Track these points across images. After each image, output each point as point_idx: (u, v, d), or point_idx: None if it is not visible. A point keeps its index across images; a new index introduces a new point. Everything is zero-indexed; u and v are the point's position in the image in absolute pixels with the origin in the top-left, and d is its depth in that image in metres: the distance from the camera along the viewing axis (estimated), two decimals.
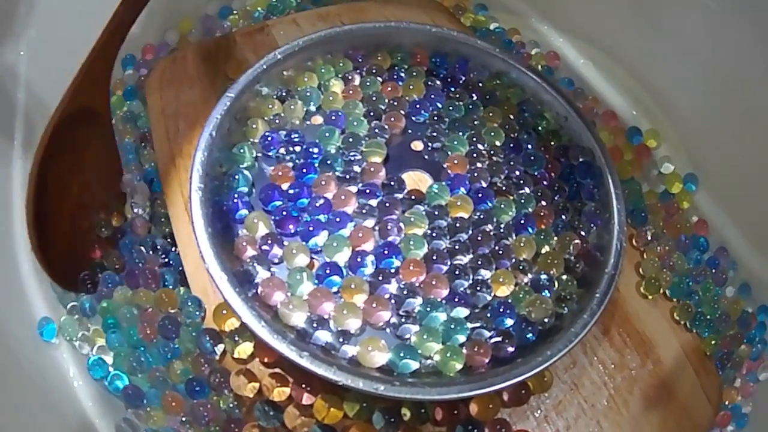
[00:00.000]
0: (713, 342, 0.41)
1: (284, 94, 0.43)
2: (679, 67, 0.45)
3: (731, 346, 0.41)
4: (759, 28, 0.39)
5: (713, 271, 0.43)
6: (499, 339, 0.36)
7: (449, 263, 0.38)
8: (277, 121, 0.42)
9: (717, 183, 0.45)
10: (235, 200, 0.39)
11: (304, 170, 0.41)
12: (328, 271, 0.37)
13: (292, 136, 0.42)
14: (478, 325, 0.37)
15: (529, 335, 0.37)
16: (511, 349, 0.36)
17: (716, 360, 0.40)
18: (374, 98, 0.43)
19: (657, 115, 0.47)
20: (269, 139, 0.41)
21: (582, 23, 0.50)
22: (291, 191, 0.40)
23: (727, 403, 0.39)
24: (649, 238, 0.44)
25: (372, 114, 0.43)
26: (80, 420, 0.38)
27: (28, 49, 0.43)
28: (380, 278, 0.37)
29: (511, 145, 0.43)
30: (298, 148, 0.41)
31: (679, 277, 0.42)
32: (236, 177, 0.40)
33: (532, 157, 0.42)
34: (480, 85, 0.45)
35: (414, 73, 0.45)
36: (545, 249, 0.40)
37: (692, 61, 0.44)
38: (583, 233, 0.40)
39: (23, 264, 0.41)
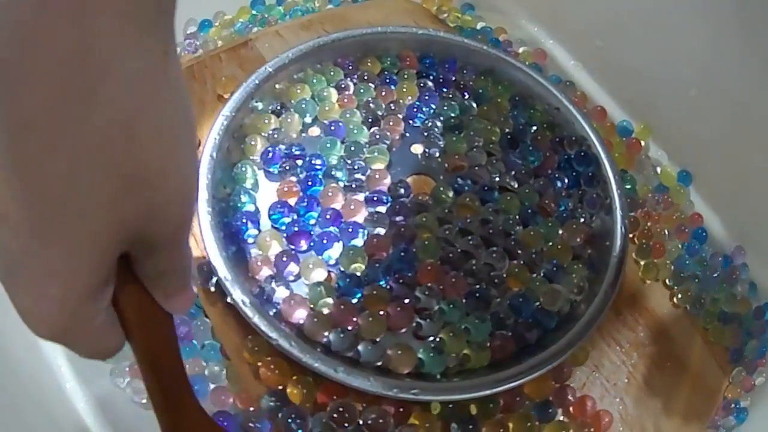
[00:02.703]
0: (723, 338, 0.41)
1: (279, 107, 0.43)
2: (670, 66, 0.46)
3: (741, 342, 0.41)
4: (748, 28, 0.41)
5: (723, 268, 0.44)
6: (520, 331, 0.37)
7: (464, 262, 0.39)
8: (275, 135, 0.42)
9: (708, 181, 0.46)
10: (244, 221, 0.39)
11: (310, 183, 0.40)
12: (347, 283, 0.37)
13: (293, 150, 0.41)
14: (498, 319, 0.38)
15: (547, 324, 0.38)
16: (532, 340, 0.37)
17: (729, 356, 0.41)
18: (371, 104, 0.44)
19: (648, 115, 0.48)
20: (270, 154, 0.41)
21: (571, 24, 0.50)
22: (299, 206, 0.40)
23: (729, 396, 0.40)
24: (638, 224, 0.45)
25: (370, 120, 0.43)
26: (73, 421, 0.37)
27: None
28: (400, 284, 0.38)
29: (508, 140, 0.44)
30: (300, 162, 0.41)
31: (675, 261, 0.43)
32: (241, 197, 0.40)
33: (530, 150, 0.43)
34: (471, 83, 0.46)
35: (405, 77, 0.45)
36: (553, 239, 0.41)
37: (684, 60, 0.45)
38: (586, 220, 0.41)
39: None
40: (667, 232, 0.44)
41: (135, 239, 0.18)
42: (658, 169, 0.47)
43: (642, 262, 0.43)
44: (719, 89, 0.43)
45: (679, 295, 0.42)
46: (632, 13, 0.46)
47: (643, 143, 0.47)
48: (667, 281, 0.43)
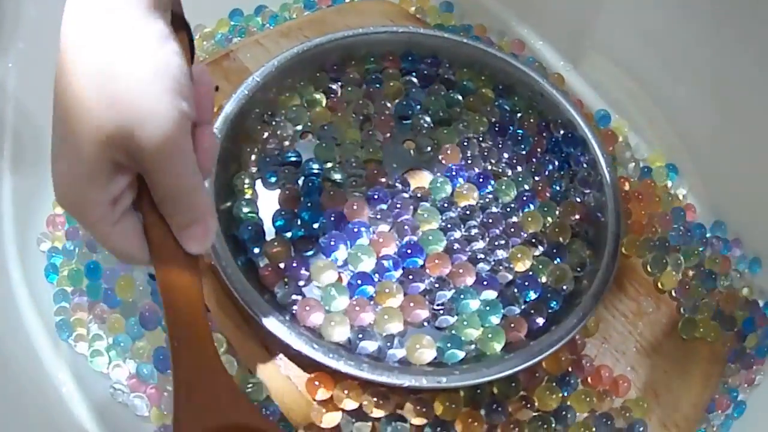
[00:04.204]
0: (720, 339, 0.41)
1: (270, 116, 0.43)
2: (660, 65, 0.47)
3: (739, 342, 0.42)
4: (734, 27, 0.43)
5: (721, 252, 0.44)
6: (530, 311, 0.38)
7: (468, 250, 0.40)
8: (270, 144, 0.42)
9: (698, 179, 0.48)
10: (249, 231, 0.39)
11: (309, 188, 0.41)
12: (359, 282, 0.38)
13: (289, 157, 0.42)
14: (508, 302, 0.39)
15: (554, 303, 0.39)
16: (541, 320, 0.38)
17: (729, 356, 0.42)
18: (360, 105, 0.44)
19: (639, 114, 0.49)
20: (267, 163, 0.41)
21: (561, 25, 0.51)
22: (301, 211, 0.40)
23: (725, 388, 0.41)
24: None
25: (361, 121, 0.44)
26: (72, 425, 0.38)
27: (16, 61, 0.42)
28: (409, 278, 0.38)
29: (496, 128, 0.45)
30: (297, 168, 0.42)
31: (656, 246, 0.43)
32: (243, 208, 0.40)
33: (519, 137, 0.44)
34: (454, 76, 0.47)
35: (390, 75, 0.46)
36: (550, 220, 0.42)
37: (674, 60, 0.46)
38: (580, 198, 0.43)
39: (13, 273, 0.41)
40: (645, 212, 0.45)
41: (124, 148, 0.24)
42: (644, 155, 0.49)
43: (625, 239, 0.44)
44: (710, 88, 0.45)
45: (660, 284, 0.43)
46: (623, 14, 0.48)
47: (621, 138, 0.48)
48: (648, 268, 0.43)
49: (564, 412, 0.37)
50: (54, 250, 0.45)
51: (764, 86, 0.42)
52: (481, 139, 0.44)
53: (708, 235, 0.46)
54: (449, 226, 0.40)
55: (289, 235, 0.39)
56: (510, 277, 0.40)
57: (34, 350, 0.41)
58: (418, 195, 0.41)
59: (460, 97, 0.46)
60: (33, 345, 0.41)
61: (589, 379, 0.38)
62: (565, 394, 0.37)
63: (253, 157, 0.42)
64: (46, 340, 0.41)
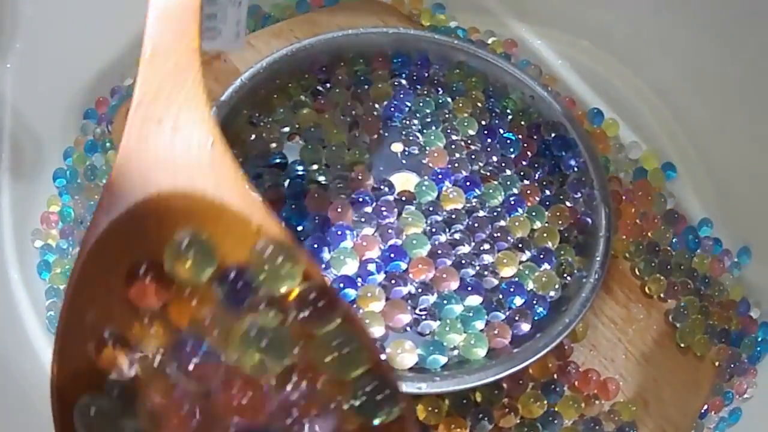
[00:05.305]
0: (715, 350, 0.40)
1: (258, 116, 0.43)
2: (657, 65, 0.47)
3: (733, 357, 0.41)
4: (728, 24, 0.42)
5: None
6: (515, 317, 0.38)
7: (453, 255, 0.39)
8: (256, 146, 0.42)
9: (695, 182, 0.47)
10: None
11: (294, 190, 0.41)
12: (341, 285, 0.37)
13: (275, 159, 0.42)
14: (492, 308, 0.38)
15: (540, 310, 0.38)
16: (526, 326, 0.38)
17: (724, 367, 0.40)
18: (347, 107, 0.44)
19: (637, 114, 0.48)
20: (252, 166, 0.41)
21: (559, 22, 0.50)
22: (286, 214, 0.40)
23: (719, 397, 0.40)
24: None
25: (348, 123, 0.43)
26: None
27: (13, 61, 0.42)
28: (392, 282, 0.38)
29: (485, 131, 0.44)
30: (282, 170, 0.41)
31: (645, 250, 0.43)
32: None
33: (508, 140, 0.44)
34: (444, 78, 0.46)
35: (379, 76, 0.45)
36: (538, 224, 0.41)
37: (671, 60, 0.46)
38: (570, 203, 0.42)
39: (12, 273, 0.42)
40: (638, 211, 0.44)
41: None
42: (637, 155, 0.48)
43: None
44: (711, 86, 0.44)
45: (648, 289, 0.42)
46: (620, 14, 0.47)
47: (615, 137, 0.47)
48: (637, 271, 0.42)
49: (551, 418, 0.36)
50: (47, 247, 0.46)
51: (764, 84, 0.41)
52: (469, 141, 0.44)
53: (702, 235, 0.45)
54: (434, 230, 0.40)
55: None
56: (495, 282, 0.39)
57: (33, 350, 0.41)
58: (403, 198, 0.41)
59: (449, 99, 0.45)
60: (31, 343, 0.42)
61: (576, 383, 0.38)
62: (551, 401, 0.37)
63: (240, 159, 0.41)
64: (43, 337, 0.42)
